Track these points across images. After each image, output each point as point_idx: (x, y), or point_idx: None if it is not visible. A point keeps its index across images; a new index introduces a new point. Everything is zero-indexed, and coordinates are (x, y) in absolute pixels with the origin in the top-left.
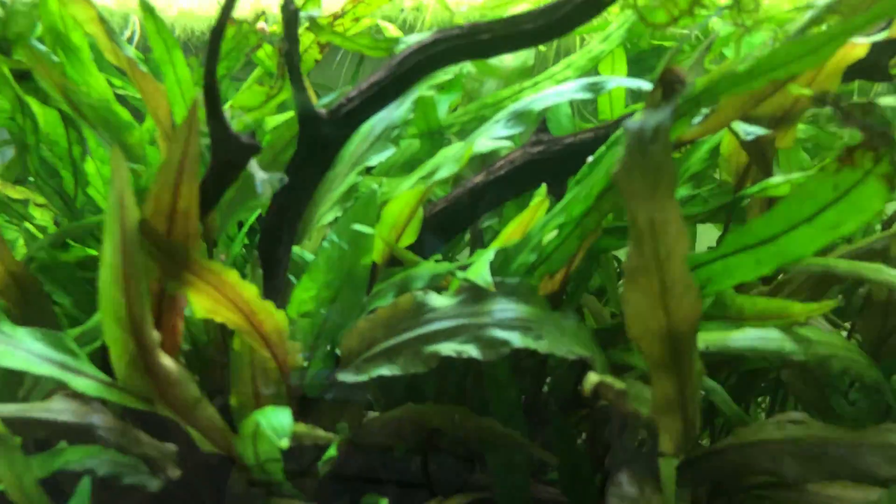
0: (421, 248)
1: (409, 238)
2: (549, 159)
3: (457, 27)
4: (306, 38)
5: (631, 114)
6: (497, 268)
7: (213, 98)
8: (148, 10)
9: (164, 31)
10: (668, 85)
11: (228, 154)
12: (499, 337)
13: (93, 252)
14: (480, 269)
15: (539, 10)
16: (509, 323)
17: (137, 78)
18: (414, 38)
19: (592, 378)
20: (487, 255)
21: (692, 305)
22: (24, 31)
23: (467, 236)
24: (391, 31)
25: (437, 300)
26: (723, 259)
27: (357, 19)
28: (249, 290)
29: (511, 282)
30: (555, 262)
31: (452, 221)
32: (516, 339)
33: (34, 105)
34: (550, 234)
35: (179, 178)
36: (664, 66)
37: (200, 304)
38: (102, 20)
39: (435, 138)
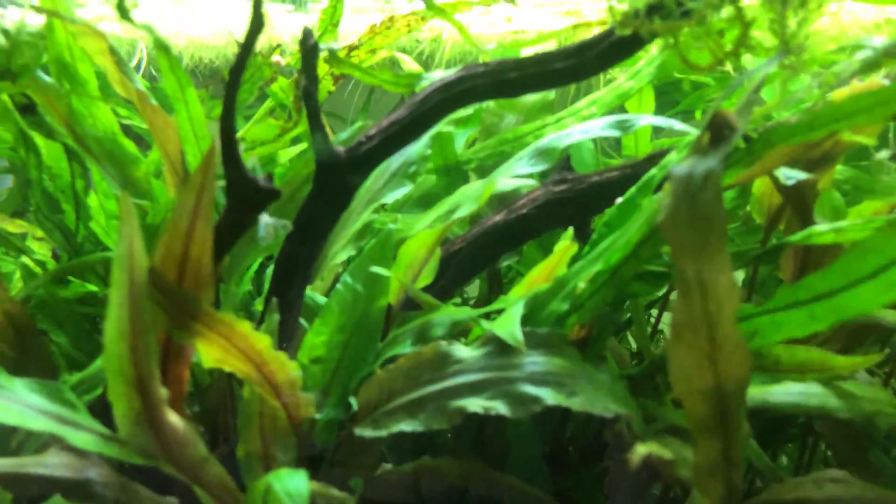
0: (437, 289)
1: (425, 279)
2: (574, 198)
3: (482, 64)
4: (320, 69)
5: (660, 152)
6: (524, 315)
7: (229, 140)
8: (162, 48)
9: (178, 68)
10: (717, 130)
11: (245, 199)
12: (530, 393)
13: (92, 288)
14: (510, 325)
15: (570, 49)
16: (541, 378)
17: (147, 112)
18: (438, 75)
19: (641, 450)
20: (517, 309)
21: (742, 364)
22: (29, 62)
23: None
24: (408, 63)
25: (463, 351)
26: (771, 313)
27: (373, 51)
28: (262, 342)
29: (541, 332)
30: (588, 312)
31: (471, 262)
32: (548, 397)
33: (38, 139)
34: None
35: (193, 225)
36: (713, 111)
37: (209, 353)
38: (113, 52)
39: (452, 174)
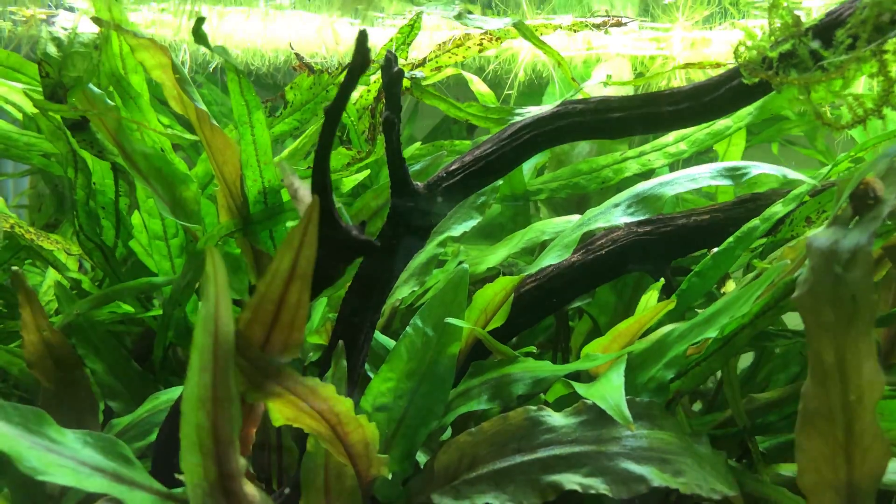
0: (506, 330)
1: (498, 321)
2: (658, 241)
3: (582, 101)
4: (374, 85)
5: (751, 196)
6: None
7: (324, 189)
8: (234, 71)
9: (248, 91)
10: (861, 200)
11: (339, 252)
12: (632, 472)
13: (128, 309)
14: (614, 396)
15: (683, 92)
16: (644, 454)
17: (206, 131)
18: (533, 111)
19: None
20: (618, 377)
21: (880, 459)
22: (82, 74)
23: None
24: (476, 84)
25: (555, 419)
26: None
27: (439, 68)
28: (343, 405)
29: (642, 402)
30: (692, 380)
31: (544, 303)
32: (653, 476)
33: (88, 160)
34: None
35: (287, 288)
36: (857, 180)
37: (281, 412)
38: (175, 68)
39: (519, 204)
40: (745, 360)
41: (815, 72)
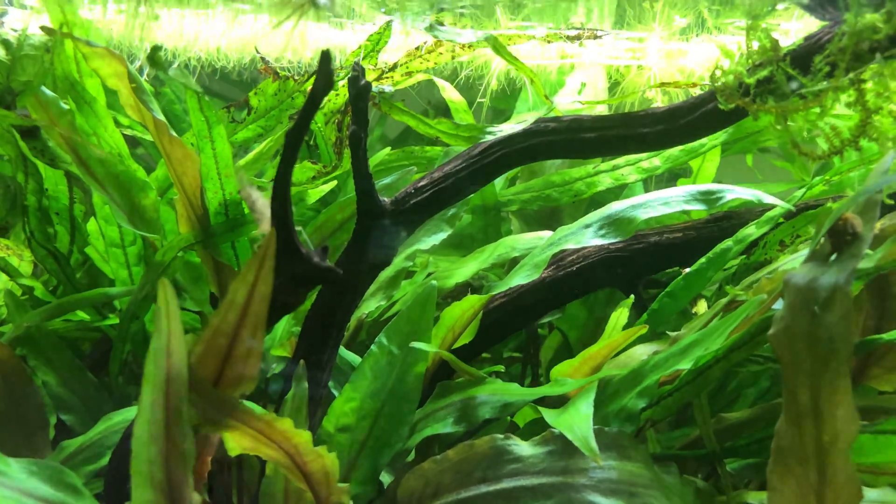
0: (474, 347)
1: (465, 339)
2: (630, 258)
3: (555, 119)
4: (343, 90)
5: (725, 214)
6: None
7: (284, 216)
8: (192, 91)
9: (207, 108)
10: (839, 236)
11: (300, 278)
12: None
13: (84, 316)
14: (581, 427)
15: (659, 114)
16: (611, 486)
17: (165, 142)
18: (505, 128)
19: None
20: (587, 407)
21: (852, 500)
22: (32, 79)
23: None
24: (448, 91)
25: (521, 448)
26: (877, 435)
27: (409, 74)
28: (301, 437)
29: (611, 432)
30: (664, 410)
31: (513, 319)
32: None
33: (40, 165)
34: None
35: (241, 322)
36: (836, 215)
37: (238, 442)
38: (132, 77)
39: (490, 215)
40: None
41: (792, 100)
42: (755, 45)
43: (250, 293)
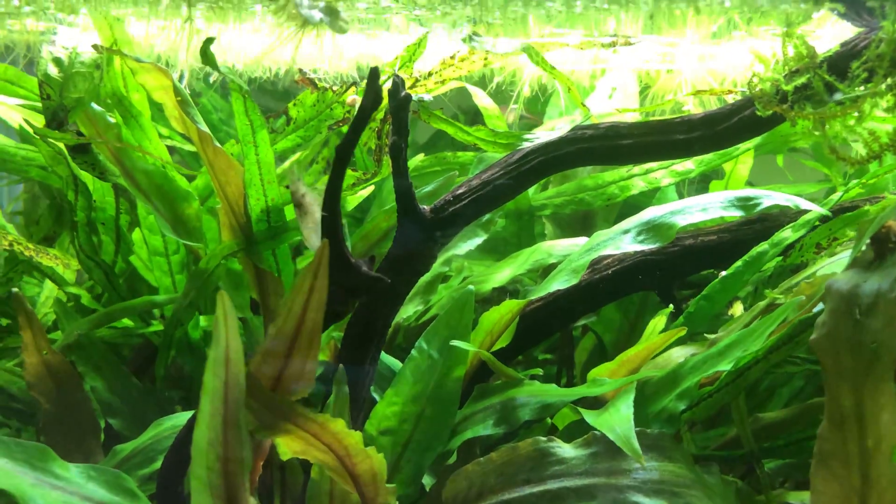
0: (511, 349)
1: (503, 343)
2: (665, 261)
3: (592, 126)
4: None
5: (759, 217)
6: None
7: (335, 227)
8: (238, 91)
9: (253, 112)
10: (882, 243)
11: (350, 288)
12: None
13: (128, 324)
14: (623, 427)
15: (696, 120)
16: (654, 487)
17: (209, 152)
18: (541, 136)
19: None
20: (628, 407)
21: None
22: (83, 95)
23: None
24: (480, 98)
25: (564, 450)
26: None
27: (443, 81)
28: (352, 437)
29: (652, 433)
30: (704, 411)
31: (548, 323)
32: None
33: (88, 179)
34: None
35: (299, 330)
36: (879, 223)
37: (289, 446)
38: (177, 90)
39: (523, 219)
40: None
41: (830, 105)
42: (791, 52)
43: (307, 301)
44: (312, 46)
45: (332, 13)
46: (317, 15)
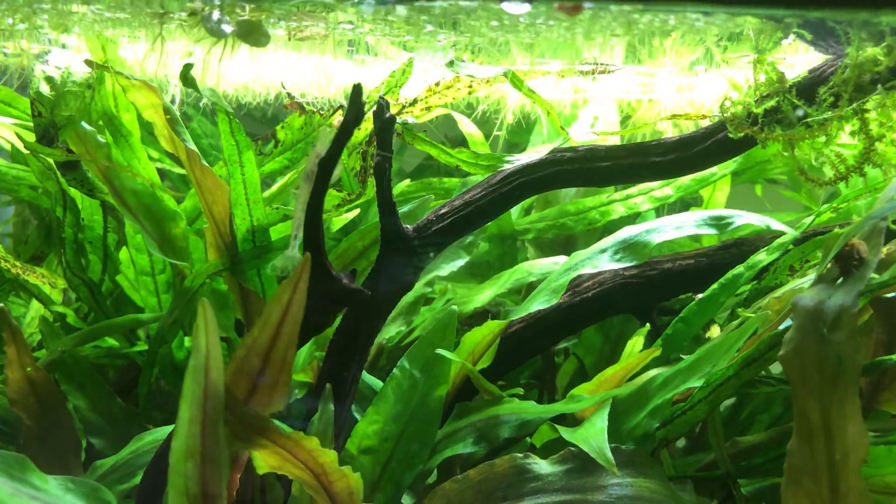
0: (492, 370)
1: (484, 363)
2: (644, 284)
3: (570, 149)
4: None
5: (735, 241)
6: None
7: (316, 241)
8: (224, 113)
9: (238, 132)
10: (846, 260)
11: (331, 300)
12: None
13: (113, 343)
14: (597, 441)
15: (671, 143)
16: (628, 502)
17: (196, 171)
18: (522, 158)
19: None
20: (602, 421)
21: None
22: (74, 113)
23: None
24: (465, 124)
25: (541, 466)
26: (890, 445)
27: (429, 108)
28: (327, 456)
29: (627, 450)
30: (678, 428)
31: (530, 344)
32: None
33: (76, 196)
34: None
35: (274, 342)
36: (843, 241)
37: (266, 461)
38: (167, 109)
39: (506, 243)
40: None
41: (798, 128)
42: (762, 78)
43: (284, 313)
44: (302, 75)
45: (250, 27)
46: (226, 29)
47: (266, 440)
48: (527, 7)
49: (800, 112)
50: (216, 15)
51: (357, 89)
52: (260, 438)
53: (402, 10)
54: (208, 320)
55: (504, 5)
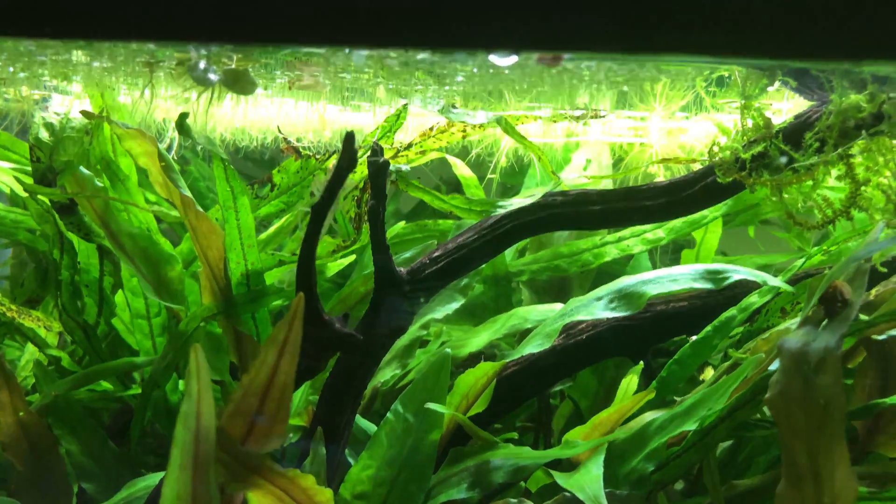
0: (487, 414)
1: (479, 407)
2: (637, 326)
3: (562, 193)
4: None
5: (729, 285)
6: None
7: (309, 285)
8: (219, 159)
9: (234, 178)
10: (830, 302)
11: (324, 345)
12: None
13: (108, 387)
14: (592, 487)
15: (661, 187)
16: None
17: (191, 217)
18: (515, 202)
19: None
20: (598, 468)
21: None
22: (72, 159)
23: None
24: (460, 167)
25: None
26: (884, 502)
27: (423, 152)
28: (323, 495)
29: (621, 495)
30: (673, 472)
31: (524, 387)
32: None
33: (74, 240)
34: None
35: (271, 382)
36: (827, 283)
37: (262, 502)
38: (161, 156)
39: (501, 285)
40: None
41: (785, 173)
42: (749, 123)
43: (280, 352)
44: (298, 118)
45: (237, 76)
46: (212, 78)
47: (262, 479)
48: (514, 59)
49: (786, 157)
50: (202, 64)
51: (350, 136)
52: (256, 478)
53: (393, 62)
54: (200, 365)
55: (492, 58)
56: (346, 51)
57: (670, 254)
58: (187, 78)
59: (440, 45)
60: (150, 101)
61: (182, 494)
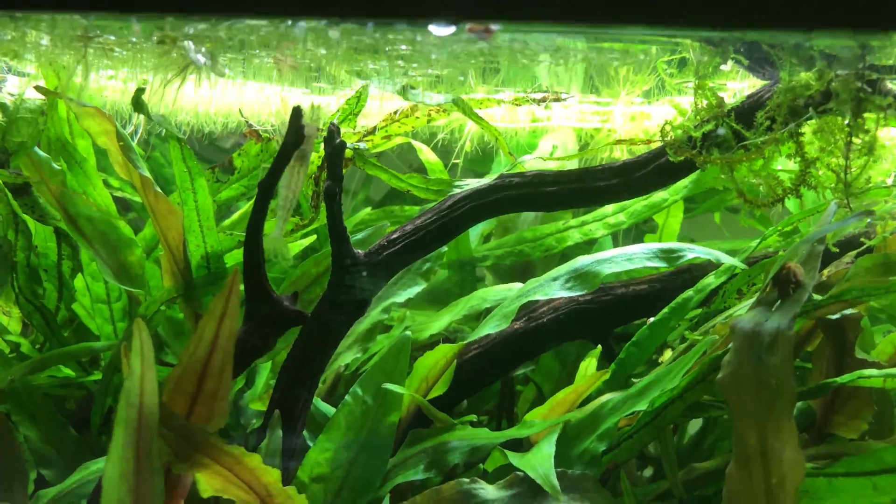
0: (448, 398)
1: (439, 390)
2: (598, 310)
3: (518, 174)
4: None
5: (687, 267)
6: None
7: (255, 261)
8: (175, 139)
9: (190, 158)
10: (783, 284)
11: (270, 322)
12: None
13: (69, 373)
14: (543, 466)
15: (615, 168)
16: None
17: (150, 198)
18: (472, 183)
19: None
20: (549, 447)
21: None
22: (26, 140)
23: None
24: (425, 152)
25: (487, 491)
26: (830, 477)
27: (389, 137)
28: (270, 476)
29: (574, 475)
30: (625, 452)
31: (487, 370)
32: None
33: (29, 222)
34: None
35: (210, 358)
36: (780, 264)
37: (209, 483)
38: (120, 136)
39: (465, 270)
40: (695, 425)
41: (736, 151)
42: (703, 103)
43: (218, 328)
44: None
45: (212, 58)
46: (201, 59)
47: (207, 458)
48: (452, 29)
49: (739, 135)
50: (191, 44)
51: (296, 111)
52: (201, 457)
53: (335, 32)
54: (143, 342)
55: (431, 27)
56: (288, 22)
57: (633, 238)
58: (157, 59)
59: (380, 15)
60: (84, 76)
61: (125, 473)
